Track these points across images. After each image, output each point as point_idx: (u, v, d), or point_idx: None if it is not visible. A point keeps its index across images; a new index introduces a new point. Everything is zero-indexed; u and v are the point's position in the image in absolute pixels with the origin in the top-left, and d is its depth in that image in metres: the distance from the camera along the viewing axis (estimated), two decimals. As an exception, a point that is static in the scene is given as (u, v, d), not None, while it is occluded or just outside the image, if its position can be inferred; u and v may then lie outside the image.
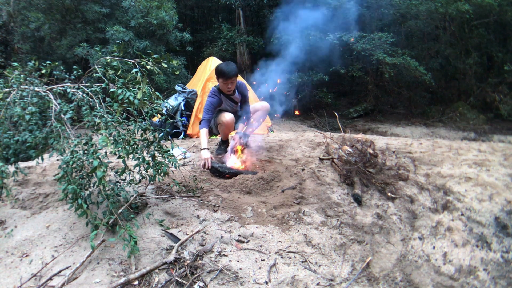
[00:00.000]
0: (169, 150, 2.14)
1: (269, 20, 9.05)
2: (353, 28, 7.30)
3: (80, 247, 1.80)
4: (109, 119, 1.87)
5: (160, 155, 2.12)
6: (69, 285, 1.53)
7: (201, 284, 1.55)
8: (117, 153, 1.83)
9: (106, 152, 2.02)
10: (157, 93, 2.00)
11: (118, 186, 2.14)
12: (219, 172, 2.81)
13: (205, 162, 2.84)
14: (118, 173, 2.01)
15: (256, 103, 3.63)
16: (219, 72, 3.08)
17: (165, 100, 4.77)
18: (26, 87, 2.07)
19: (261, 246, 1.88)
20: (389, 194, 2.61)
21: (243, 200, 2.36)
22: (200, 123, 3.16)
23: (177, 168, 2.19)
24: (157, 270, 1.61)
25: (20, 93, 2.03)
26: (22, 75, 2.15)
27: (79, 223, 2.00)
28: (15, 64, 2.24)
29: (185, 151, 3.57)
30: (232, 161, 3.12)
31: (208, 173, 2.89)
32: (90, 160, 1.71)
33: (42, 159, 1.99)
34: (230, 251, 1.80)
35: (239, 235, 1.94)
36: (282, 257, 1.82)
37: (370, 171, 2.73)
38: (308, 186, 2.57)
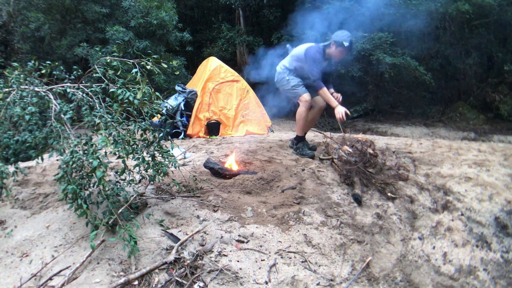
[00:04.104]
0: (169, 150, 2.14)
1: (269, 20, 9.05)
2: (353, 28, 7.29)
3: (80, 247, 1.80)
4: (109, 119, 1.87)
5: (160, 155, 2.12)
6: (69, 285, 1.53)
7: (201, 284, 1.55)
8: (117, 153, 1.83)
9: (106, 152, 2.02)
10: (157, 93, 2.00)
11: (118, 186, 2.14)
12: (219, 173, 2.81)
13: (343, 112, 2.94)
14: (118, 173, 2.01)
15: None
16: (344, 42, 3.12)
17: (165, 100, 4.77)
18: (26, 87, 2.07)
19: (261, 246, 1.88)
20: (389, 194, 2.61)
21: (243, 200, 2.36)
22: (315, 83, 3.13)
23: (177, 168, 2.19)
24: (157, 270, 1.61)
25: (20, 93, 2.03)
26: (22, 75, 2.15)
27: (79, 223, 2.00)
28: (15, 64, 2.23)
29: (185, 151, 3.57)
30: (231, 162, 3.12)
31: (208, 173, 2.89)
32: (90, 160, 1.70)
33: (42, 159, 1.99)
34: (230, 251, 1.80)
35: (239, 235, 1.93)
36: (282, 257, 1.82)
37: (370, 171, 2.73)
38: (308, 186, 2.57)
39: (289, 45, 3.96)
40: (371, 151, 2.74)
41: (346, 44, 3.11)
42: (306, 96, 3.30)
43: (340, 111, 3.00)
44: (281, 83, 3.48)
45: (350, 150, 2.80)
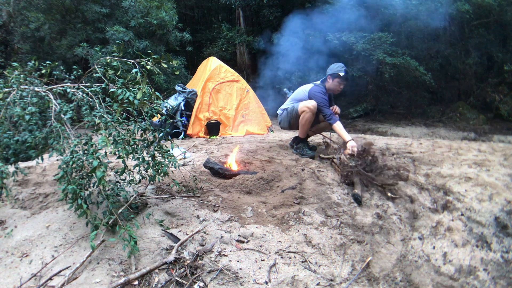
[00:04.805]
0: (169, 150, 2.14)
1: (269, 20, 9.04)
2: (353, 28, 7.29)
3: (80, 247, 1.80)
4: (109, 119, 1.87)
5: (160, 155, 2.12)
6: (69, 285, 1.53)
7: (201, 284, 1.55)
8: (117, 153, 1.83)
9: (106, 152, 2.02)
10: (157, 93, 2.00)
11: (118, 186, 2.14)
12: (219, 173, 2.81)
13: (355, 147, 2.85)
14: (118, 173, 2.01)
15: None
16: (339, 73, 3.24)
17: (165, 100, 4.76)
18: (26, 87, 2.07)
19: (261, 246, 1.88)
20: (389, 194, 2.61)
21: (243, 200, 2.36)
22: (329, 118, 3.13)
23: (177, 168, 2.19)
24: (157, 270, 1.61)
25: (20, 93, 2.03)
26: (22, 75, 2.15)
27: (79, 223, 2.00)
28: (15, 64, 2.23)
29: (185, 151, 3.57)
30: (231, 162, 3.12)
31: (208, 173, 2.89)
32: (90, 160, 1.71)
33: (42, 159, 1.99)
34: (230, 251, 1.80)
35: (239, 235, 1.93)
36: (282, 257, 1.82)
37: (369, 175, 2.73)
38: (308, 186, 2.57)
39: (286, 89, 4.01)
40: (371, 157, 2.76)
41: (341, 74, 3.25)
42: (305, 103, 3.24)
43: (354, 145, 2.87)
44: (282, 119, 3.57)
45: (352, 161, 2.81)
